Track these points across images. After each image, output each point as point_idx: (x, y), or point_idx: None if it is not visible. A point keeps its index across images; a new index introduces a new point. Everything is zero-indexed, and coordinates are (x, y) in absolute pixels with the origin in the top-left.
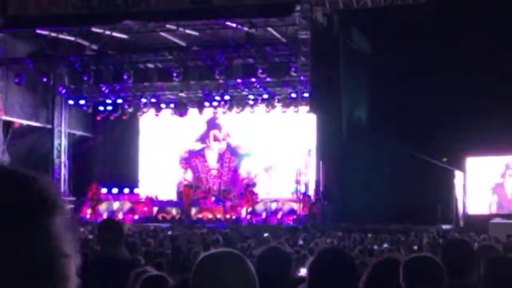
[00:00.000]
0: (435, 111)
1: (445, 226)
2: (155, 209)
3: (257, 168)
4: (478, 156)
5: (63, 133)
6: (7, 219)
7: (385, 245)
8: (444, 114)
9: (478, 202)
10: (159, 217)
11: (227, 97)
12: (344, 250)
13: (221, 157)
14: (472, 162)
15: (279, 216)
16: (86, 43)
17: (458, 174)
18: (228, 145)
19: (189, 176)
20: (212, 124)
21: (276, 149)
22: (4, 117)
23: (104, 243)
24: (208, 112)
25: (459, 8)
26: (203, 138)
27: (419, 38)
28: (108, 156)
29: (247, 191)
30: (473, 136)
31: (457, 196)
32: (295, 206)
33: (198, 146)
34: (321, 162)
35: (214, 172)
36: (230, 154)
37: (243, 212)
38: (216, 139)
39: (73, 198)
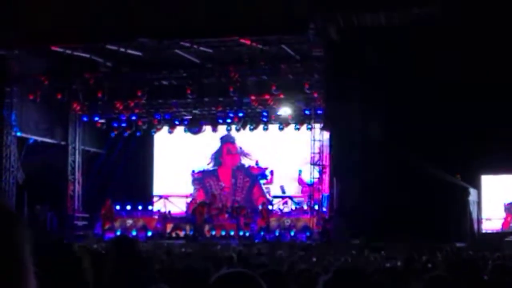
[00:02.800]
0: (450, 128)
1: (459, 244)
2: (170, 225)
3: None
4: (493, 174)
5: (77, 150)
6: None
7: (398, 263)
8: (459, 131)
9: (493, 220)
10: (173, 234)
11: (240, 114)
12: (360, 269)
13: (234, 176)
14: (487, 180)
15: (292, 233)
16: (100, 60)
17: (472, 191)
18: (242, 165)
19: (201, 196)
20: (226, 138)
21: (289, 165)
22: (19, 134)
23: (116, 260)
24: (222, 129)
25: (474, 24)
26: (217, 155)
27: (433, 55)
28: (122, 173)
29: (263, 209)
30: (487, 154)
31: (471, 214)
32: (308, 223)
33: (211, 166)
34: (334, 179)
35: (226, 190)
36: (244, 174)
37: (257, 229)
38: (229, 152)
39: (87, 215)
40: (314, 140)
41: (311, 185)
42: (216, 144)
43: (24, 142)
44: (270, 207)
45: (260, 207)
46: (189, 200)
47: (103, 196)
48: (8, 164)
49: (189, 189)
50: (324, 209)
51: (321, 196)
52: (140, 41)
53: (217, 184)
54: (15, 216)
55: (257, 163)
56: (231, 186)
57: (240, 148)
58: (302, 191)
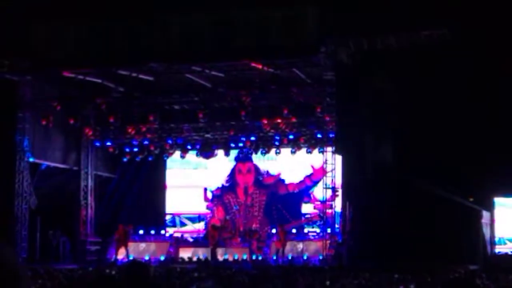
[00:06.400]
0: (461, 151)
1: (472, 266)
2: (182, 249)
3: None
4: (506, 196)
5: (90, 175)
6: None
7: (411, 286)
8: (471, 153)
9: (506, 242)
10: (185, 258)
11: (252, 138)
12: None
13: (247, 194)
14: (500, 202)
15: (305, 256)
16: (112, 85)
17: (485, 214)
18: (256, 179)
19: (221, 213)
20: (238, 158)
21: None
22: (32, 159)
23: (130, 285)
24: (234, 153)
25: (485, 47)
26: (232, 174)
27: (445, 78)
28: (134, 198)
29: (280, 231)
30: (500, 176)
31: (484, 236)
32: (321, 246)
33: (229, 184)
34: (347, 202)
35: (242, 209)
36: (258, 188)
37: (270, 253)
38: (239, 172)
39: (99, 240)
40: (326, 163)
41: (323, 202)
42: (229, 165)
43: (37, 167)
44: (294, 230)
45: (277, 229)
46: (203, 222)
47: (115, 221)
48: (21, 189)
49: (202, 212)
50: (337, 225)
51: (333, 213)
52: (152, 66)
53: (236, 201)
54: (19, 272)
55: (267, 172)
56: (244, 206)
57: (255, 166)
58: (314, 208)
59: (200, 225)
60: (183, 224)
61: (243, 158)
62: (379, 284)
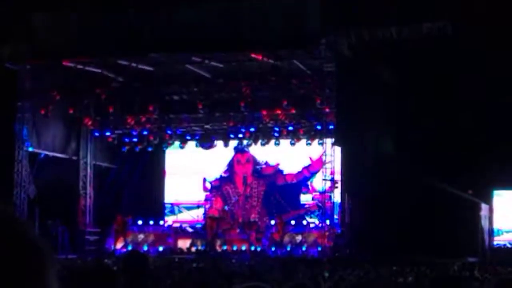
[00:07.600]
0: (461, 144)
1: (471, 259)
2: (181, 240)
3: None
4: (505, 189)
5: (89, 165)
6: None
7: (410, 278)
8: (471, 146)
9: (505, 235)
10: (184, 249)
11: (252, 129)
12: (372, 285)
13: (246, 184)
14: (499, 195)
15: (304, 248)
16: (112, 75)
17: (484, 206)
18: (254, 169)
19: (219, 204)
20: (237, 148)
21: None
22: (31, 149)
23: (128, 276)
24: (233, 144)
25: (485, 39)
26: (230, 164)
27: (445, 70)
28: (133, 188)
29: (279, 222)
30: (499, 168)
31: (483, 229)
32: (320, 238)
33: (227, 174)
34: (346, 194)
35: (241, 199)
36: (257, 178)
37: (268, 244)
38: (238, 163)
39: (98, 230)
40: (325, 155)
41: (322, 192)
42: (229, 155)
43: (36, 157)
44: (293, 222)
45: (275, 221)
46: (202, 209)
47: (114, 211)
48: (20, 179)
49: (201, 203)
50: (336, 217)
51: (332, 204)
52: (152, 56)
53: (235, 191)
54: (45, 251)
55: (266, 163)
56: (243, 197)
57: (253, 157)
58: (313, 198)
59: (199, 212)
60: (181, 212)
61: (241, 148)
62: (378, 276)
